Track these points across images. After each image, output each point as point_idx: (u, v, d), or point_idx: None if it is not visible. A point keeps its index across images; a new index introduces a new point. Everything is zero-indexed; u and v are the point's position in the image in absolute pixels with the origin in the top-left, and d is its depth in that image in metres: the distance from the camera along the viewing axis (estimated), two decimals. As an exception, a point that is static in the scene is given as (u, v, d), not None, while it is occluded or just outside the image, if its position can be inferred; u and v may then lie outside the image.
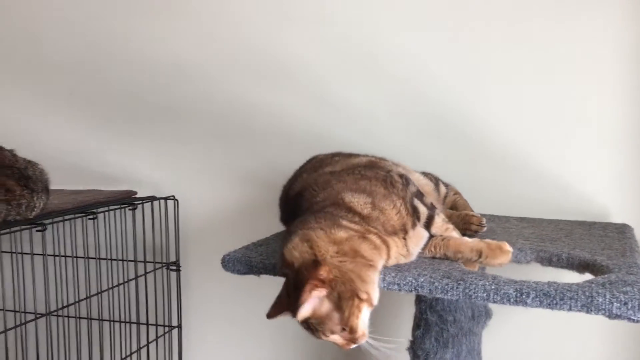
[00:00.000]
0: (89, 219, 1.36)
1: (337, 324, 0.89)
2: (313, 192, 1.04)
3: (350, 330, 0.89)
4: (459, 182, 1.38)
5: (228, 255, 1.05)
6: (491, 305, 1.19)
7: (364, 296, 0.87)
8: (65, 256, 1.58)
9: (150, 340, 1.64)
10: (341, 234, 0.91)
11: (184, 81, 1.67)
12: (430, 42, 1.48)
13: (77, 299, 1.47)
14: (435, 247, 1.03)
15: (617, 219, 1.39)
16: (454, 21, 1.47)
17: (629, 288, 0.84)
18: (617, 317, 0.81)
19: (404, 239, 0.98)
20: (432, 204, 1.08)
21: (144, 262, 1.62)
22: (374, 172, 1.07)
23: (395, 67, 1.51)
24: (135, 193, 1.64)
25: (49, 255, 1.45)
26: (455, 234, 1.06)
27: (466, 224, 1.19)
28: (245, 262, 1.03)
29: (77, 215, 1.36)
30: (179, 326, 1.67)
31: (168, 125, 1.69)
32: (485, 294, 0.88)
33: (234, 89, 1.63)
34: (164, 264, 1.64)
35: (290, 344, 1.68)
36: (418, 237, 1.01)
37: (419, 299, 1.17)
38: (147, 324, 1.66)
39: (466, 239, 1.03)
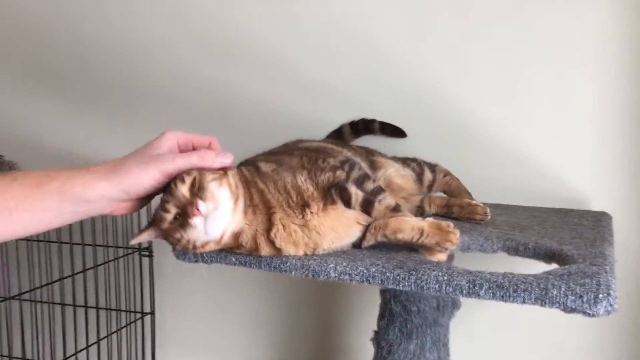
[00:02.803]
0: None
1: (190, 172, 0.87)
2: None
3: (199, 184, 0.86)
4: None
5: (179, 242, 1.00)
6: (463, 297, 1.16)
7: (231, 179, 0.90)
8: (34, 240, 1.55)
9: (122, 326, 1.62)
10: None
11: (147, 60, 1.63)
12: (411, 21, 1.43)
13: (42, 283, 1.45)
14: (375, 228, 0.95)
15: (597, 206, 1.34)
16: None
17: (587, 280, 0.80)
18: (573, 310, 0.77)
19: (303, 212, 0.93)
20: (374, 189, 0.97)
21: (115, 247, 1.60)
22: (306, 152, 1.02)
23: (372, 46, 1.46)
24: (107, 177, 1.61)
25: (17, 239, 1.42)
26: (406, 219, 0.95)
27: (469, 214, 1.16)
28: (195, 249, 0.98)
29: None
30: (152, 313, 1.64)
31: (134, 105, 1.66)
32: (437, 285, 0.83)
33: (198, 69, 1.59)
34: (135, 250, 1.61)
35: (265, 333, 1.65)
36: (335, 217, 0.94)
37: (384, 289, 1.13)
38: (117, 310, 1.63)
39: (408, 217, 0.95)
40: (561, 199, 1.37)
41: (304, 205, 0.93)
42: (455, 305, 1.16)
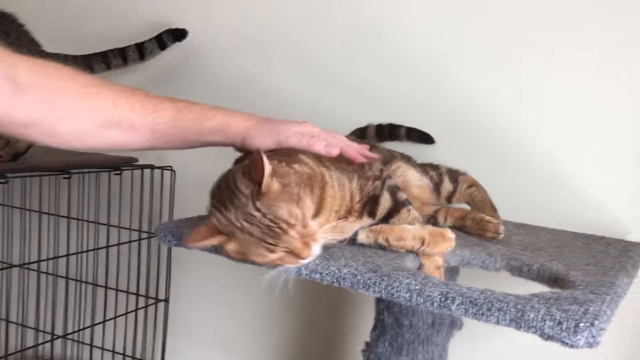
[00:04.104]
0: (64, 177, 1.35)
1: (292, 211, 0.81)
2: None
3: (303, 222, 0.81)
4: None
5: (162, 225, 0.99)
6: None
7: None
8: (61, 216, 1.59)
9: (134, 309, 1.62)
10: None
11: (189, 52, 1.63)
12: (452, 24, 1.36)
13: (52, 256, 1.47)
14: (379, 230, 0.93)
15: (636, 238, 1.22)
16: (475, 3, 1.34)
17: (574, 307, 0.71)
18: (550, 338, 0.69)
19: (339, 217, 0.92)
20: (406, 200, 0.98)
21: (139, 230, 1.60)
22: None
23: (407, 50, 1.40)
24: (137, 160, 1.62)
25: (36, 211, 1.46)
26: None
27: (481, 230, 1.08)
28: (176, 233, 0.96)
29: (51, 173, 1.34)
30: (166, 300, 1.64)
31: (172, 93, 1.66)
32: (408, 294, 0.77)
33: (238, 62, 1.57)
34: (153, 234, 1.61)
35: (275, 331, 1.61)
36: (354, 224, 0.94)
37: (379, 298, 1.07)
38: (131, 293, 1.63)
39: (410, 226, 0.93)
40: (597, 227, 1.25)
41: (346, 212, 0.92)
42: (455, 324, 1.08)
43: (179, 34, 1.58)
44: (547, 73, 1.29)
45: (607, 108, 1.25)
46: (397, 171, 1.15)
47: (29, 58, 0.85)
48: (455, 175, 1.21)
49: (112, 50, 1.55)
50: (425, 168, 1.20)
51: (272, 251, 0.81)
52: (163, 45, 1.58)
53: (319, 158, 0.96)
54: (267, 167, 0.80)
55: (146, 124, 0.92)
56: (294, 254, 0.81)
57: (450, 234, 0.91)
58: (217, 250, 0.86)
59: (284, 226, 0.80)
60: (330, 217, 0.90)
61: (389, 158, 1.19)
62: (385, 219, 0.95)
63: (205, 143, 0.99)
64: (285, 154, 0.93)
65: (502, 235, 1.07)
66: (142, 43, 1.57)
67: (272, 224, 0.80)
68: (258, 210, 0.80)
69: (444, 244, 0.90)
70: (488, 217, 1.10)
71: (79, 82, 0.88)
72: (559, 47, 1.27)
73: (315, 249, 0.82)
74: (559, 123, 1.29)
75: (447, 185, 1.18)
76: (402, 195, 0.98)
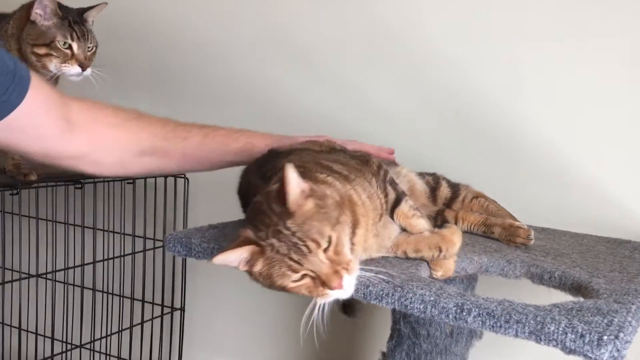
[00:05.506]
0: (76, 187, 1.34)
1: (322, 231, 0.75)
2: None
3: (336, 247, 0.75)
4: (486, 185, 1.21)
5: (171, 235, 0.96)
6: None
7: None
8: (76, 225, 1.58)
9: (149, 318, 1.60)
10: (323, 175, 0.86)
11: (205, 60, 1.61)
12: (462, 30, 1.33)
13: (68, 265, 1.47)
14: (397, 245, 0.90)
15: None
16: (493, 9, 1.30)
17: (597, 318, 0.67)
18: (572, 352, 0.65)
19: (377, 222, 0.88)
20: (403, 191, 0.95)
21: (153, 239, 1.59)
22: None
23: (425, 58, 1.37)
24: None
25: (50, 220, 1.46)
26: (422, 222, 0.91)
27: (510, 236, 1.04)
28: (185, 243, 0.94)
29: (63, 183, 1.33)
30: (182, 309, 1.62)
31: (184, 102, 1.65)
32: (422, 306, 0.74)
33: (254, 70, 1.56)
34: (169, 244, 1.59)
35: (291, 341, 1.58)
36: (386, 225, 0.90)
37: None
38: (147, 302, 1.62)
39: (424, 234, 0.90)
40: (622, 230, 1.20)
41: (380, 215, 0.89)
42: (475, 333, 1.04)
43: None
44: (567, 73, 1.25)
45: (630, 106, 1.21)
46: (401, 172, 1.12)
47: (79, 98, 0.95)
48: (455, 184, 1.17)
49: None
50: (421, 173, 1.17)
51: (295, 270, 0.75)
52: None
53: (339, 173, 0.90)
54: (294, 186, 0.75)
55: (178, 150, 1.04)
56: (321, 280, 0.75)
57: (455, 227, 0.90)
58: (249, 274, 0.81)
59: (311, 245, 0.74)
60: (368, 234, 0.86)
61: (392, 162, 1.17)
62: (390, 212, 0.91)
63: (232, 163, 1.09)
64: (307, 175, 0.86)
65: (532, 241, 1.03)
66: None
67: (299, 242, 0.75)
68: (288, 229, 0.75)
69: (458, 240, 0.87)
70: (517, 223, 1.06)
71: (120, 116, 1.00)
72: (580, 46, 1.24)
73: (348, 282, 0.75)
74: (582, 123, 1.26)
75: (444, 190, 1.14)
76: (400, 187, 0.95)
